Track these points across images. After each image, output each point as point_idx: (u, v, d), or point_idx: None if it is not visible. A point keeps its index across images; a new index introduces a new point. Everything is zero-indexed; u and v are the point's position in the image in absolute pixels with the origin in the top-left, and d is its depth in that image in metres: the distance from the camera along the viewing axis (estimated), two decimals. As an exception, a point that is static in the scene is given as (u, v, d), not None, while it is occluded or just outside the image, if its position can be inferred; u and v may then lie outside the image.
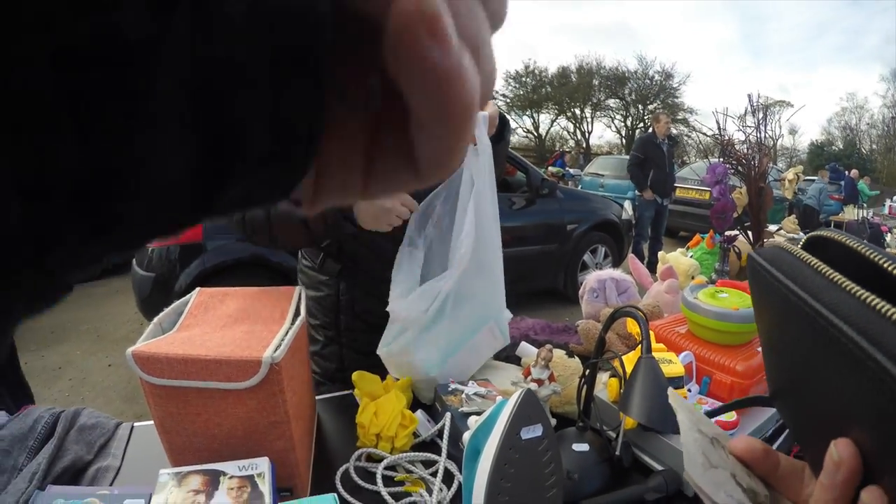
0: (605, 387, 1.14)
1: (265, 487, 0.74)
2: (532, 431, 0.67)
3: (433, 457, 0.99)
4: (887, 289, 0.28)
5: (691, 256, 2.02)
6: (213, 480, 0.76)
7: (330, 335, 1.40)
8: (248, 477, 0.76)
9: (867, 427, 0.28)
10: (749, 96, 1.55)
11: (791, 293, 0.33)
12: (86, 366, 4.25)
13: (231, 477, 0.76)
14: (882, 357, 0.25)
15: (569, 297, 5.38)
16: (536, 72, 31.60)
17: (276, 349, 0.83)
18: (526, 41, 52.18)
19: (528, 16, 52.57)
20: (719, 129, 1.54)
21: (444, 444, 0.99)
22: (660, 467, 0.98)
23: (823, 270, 0.32)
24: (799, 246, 0.37)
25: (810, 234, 0.37)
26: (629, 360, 1.02)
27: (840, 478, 0.29)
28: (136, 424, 1.16)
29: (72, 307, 5.90)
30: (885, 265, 0.29)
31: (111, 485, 0.96)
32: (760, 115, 1.50)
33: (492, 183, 1.21)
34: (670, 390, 0.48)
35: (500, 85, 32.09)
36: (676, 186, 7.55)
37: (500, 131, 1.31)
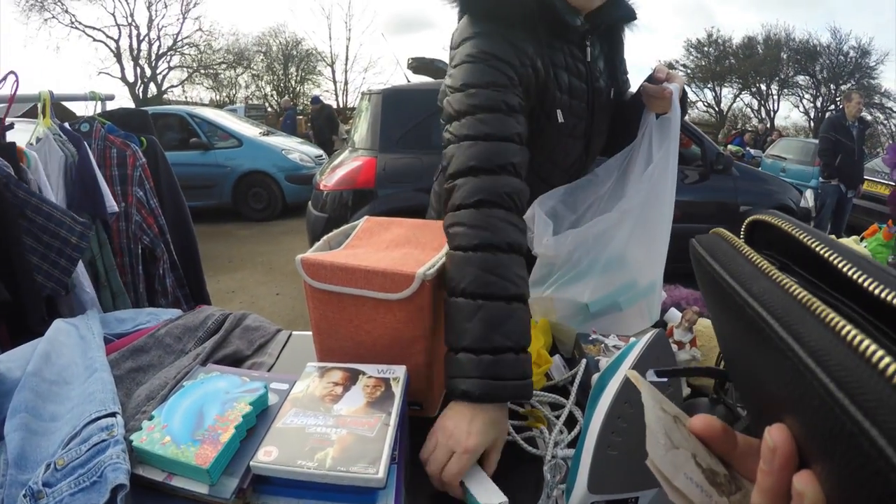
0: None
1: (398, 390, 0.80)
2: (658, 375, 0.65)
3: (561, 400, 1.00)
4: (825, 269, 0.28)
5: (865, 246, 1.85)
6: (352, 377, 0.82)
7: None
8: (384, 379, 0.82)
9: (794, 415, 0.28)
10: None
11: (724, 282, 0.33)
12: (256, 292, 4.68)
13: (369, 377, 0.83)
14: (801, 350, 0.25)
15: (732, 283, 5.07)
16: (720, 41, 29.43)
17: (430, 268, 0.89)
18: (707, 5, 48.50)
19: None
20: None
21: (573, 389, 1.00)
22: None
23: (754, 259, 0.32)
24: (742, 228, 0.38)
25: (751, 217, 0.37)
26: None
27: (776, 464, 0.29)
28: (294, 333, 1.27)
29: (251, 241, 6.50)
30: (822, 251, 0.29)
31: (266, 381, 1.07)
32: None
33: (675, 153, 1.17)
34: (629, 371, 0.46)
35: (680, 54, 30.34)
36: (865, 179, 6.71)
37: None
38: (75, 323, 1.05)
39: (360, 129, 4.48)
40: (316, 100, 13.32)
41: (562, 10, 1.12)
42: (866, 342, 0.22)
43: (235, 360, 1.11)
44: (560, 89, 1.17)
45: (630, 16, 1.29)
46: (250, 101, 25.86)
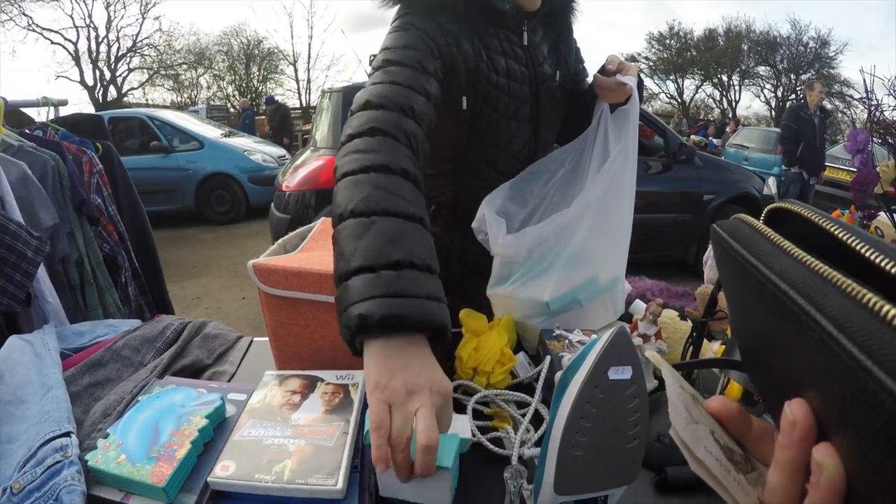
0: (714, 354, 1.09)
1: (356, 397, 0.79)
2: (620, 373, 0.64)
3: (527, 398, 0.99)
4: (843, 256, 0.29)
5: (829, 232, 1.88)
6: (310, 384, 0.81)
7: None
8: (343, 385, 0.81)
9: (815, 388, 0.29)
10: (900, 53, 1.35)
11: (746, 262, 0.35)
12: (222, 297, 4.62)
13: (327, 383, 0.81)
14: (823, 319, 0.26)
15: (698, 272, 5.08)
16: (681, 34, 29.85)
17: (385, 267, 0.86)
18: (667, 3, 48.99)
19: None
20: (866, 91, 1.37)
21: (538, 387, 0.99)
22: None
23: (775, 239, 0.34)
24: (762, 216, 0.39)
25: (770, 205, 0.38)
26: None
27: (796, 436, 0.30)
28: (255, 339, 1.25)
29: (215, 245, 6.42)
30: (840, 234, 0.30)
31: (225, 388, 1.05)
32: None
33: (633, 146, 1.17)
34: (649, 352, 0.47)
35: (642, 47, 30.69)
36: (826, 165, 6.87)
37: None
38: (30, 339, 1.03)
39: (322, 128, 4.43)
40: (270, 100, 13.22)
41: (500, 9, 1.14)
42: (887, 307, 0.23)
43: (195, 371, 1.08)
44: (497, 73, 1.17)
45: (551, 14, 1.29)
46: (212, 102, 25.43)
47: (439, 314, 0.69)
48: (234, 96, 27.63)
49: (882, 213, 1.92)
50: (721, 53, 28.75)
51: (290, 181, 4.18)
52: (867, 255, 0.27)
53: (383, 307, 0.64)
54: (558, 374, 0.76)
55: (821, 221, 0.32)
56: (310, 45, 29.17)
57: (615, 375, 0.63)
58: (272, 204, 4.43)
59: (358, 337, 0.66)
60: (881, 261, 0.26)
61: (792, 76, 27.71)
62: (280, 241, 1.07)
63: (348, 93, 4.21)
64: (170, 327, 1.17)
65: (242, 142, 8.50)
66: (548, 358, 1.04)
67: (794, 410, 0.30)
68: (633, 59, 29.34)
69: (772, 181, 5.93)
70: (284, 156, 8.53)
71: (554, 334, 1.12)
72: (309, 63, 28.75)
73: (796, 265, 0.30)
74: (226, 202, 7.74)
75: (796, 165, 6.10)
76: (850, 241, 0.29)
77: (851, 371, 0.24)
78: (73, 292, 1.76)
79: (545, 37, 1.29)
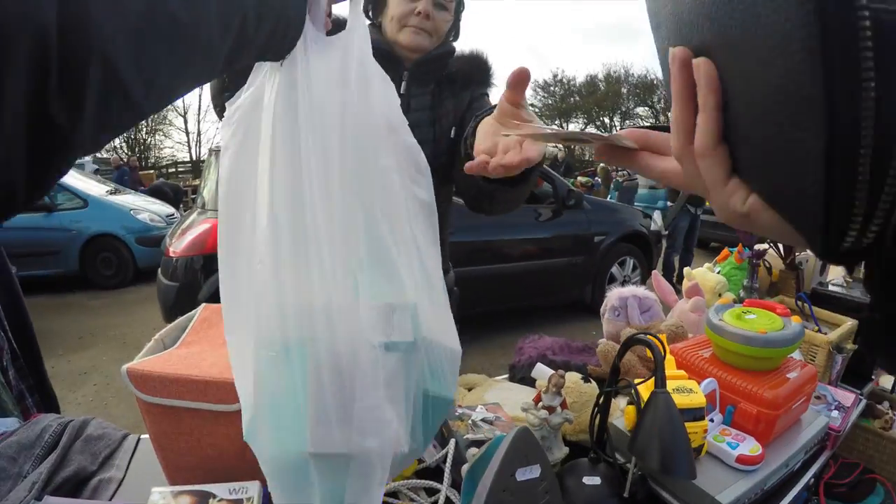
0: (623, 413, 1.09)
1: (252, 513, 0.72)
2: (528, 472, 0.63)
3: (436, 485, 0.95)
4: None
5: (718, 272, 1.94)
6: (201, 502, 0.74)
7: None
8: (237, 501, 0.74)
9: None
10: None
11: None
12: (111, 371, 4.30)
13: (220, 500, 0.74)
14: None
15: (596, 310, 5.21)
16: (565, 80, 31.57)
17: (266, 373, 0.81)
18: (539, 50, 51.68)
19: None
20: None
21: (446, 473, 0.95)
22: (677, 504, 0.92)
23: None
24: None
25: None
26: (647, 387, 0.96)
27: (676, 66, 0.38)
28: (142, 437, 1.14)
29: (102, 313, 6.02)
30: None
31: (112, 497, 0.95)
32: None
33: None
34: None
35: (529, 94, 32.15)
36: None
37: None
38: None
39: (210, 186, 4.24)
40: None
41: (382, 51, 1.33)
42: None
43: (79, 481, 0.97)
44: None
45: (452, 69, 1.47)
46: (98, 156, 24.26)
47: None
48: (121, 149, 26.51)
49: (769, 248, 2.03)
50: (602, 98, 30.60)
51: (177, 246, 3.94)
52: None
53: None
54: (465, 467, 0.73)
55: None
56: (200, 95, 28.60)
57: (524, 476, 0.62)
58: (159, 270, 4.15)
59: None
60: None
61: (669, 115, 29.75)
62: (158, 336, 0.99)
63: (237, 151, 4.08)
64: (48, 430, 1.05)
65: (129, 199, 8.07)
66: (452, 441, 1.00)
67: (675, 50, 0.38)
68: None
69: (657, 215, 6.26)
70: (173, 215, 8.13)
71: (457, 413, 1.09)
72: (199, 115, 28.17)
73: None
74: (112, 265, 7.25)
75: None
76: None
77: None
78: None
79: (433, 91, 1.45)
